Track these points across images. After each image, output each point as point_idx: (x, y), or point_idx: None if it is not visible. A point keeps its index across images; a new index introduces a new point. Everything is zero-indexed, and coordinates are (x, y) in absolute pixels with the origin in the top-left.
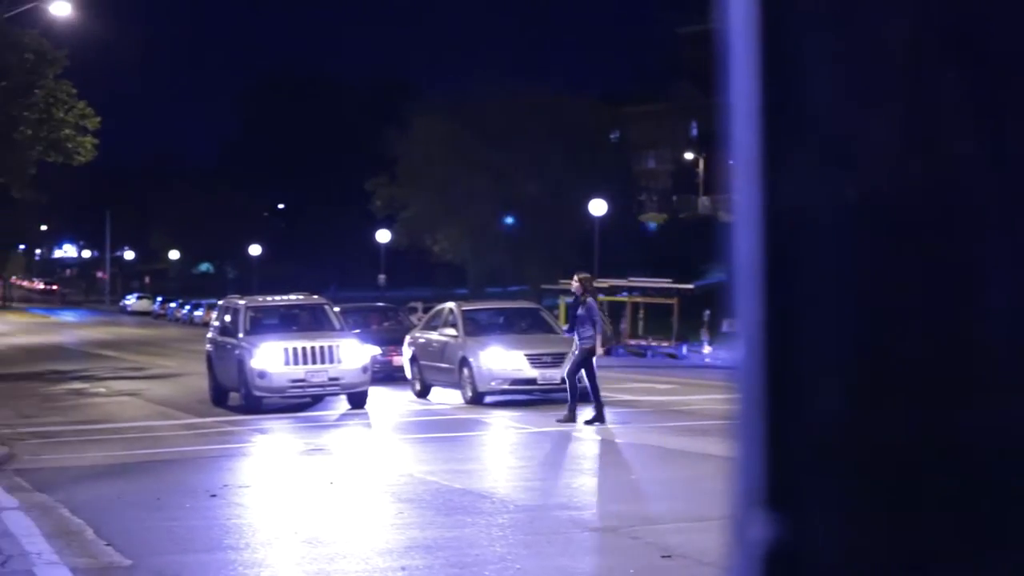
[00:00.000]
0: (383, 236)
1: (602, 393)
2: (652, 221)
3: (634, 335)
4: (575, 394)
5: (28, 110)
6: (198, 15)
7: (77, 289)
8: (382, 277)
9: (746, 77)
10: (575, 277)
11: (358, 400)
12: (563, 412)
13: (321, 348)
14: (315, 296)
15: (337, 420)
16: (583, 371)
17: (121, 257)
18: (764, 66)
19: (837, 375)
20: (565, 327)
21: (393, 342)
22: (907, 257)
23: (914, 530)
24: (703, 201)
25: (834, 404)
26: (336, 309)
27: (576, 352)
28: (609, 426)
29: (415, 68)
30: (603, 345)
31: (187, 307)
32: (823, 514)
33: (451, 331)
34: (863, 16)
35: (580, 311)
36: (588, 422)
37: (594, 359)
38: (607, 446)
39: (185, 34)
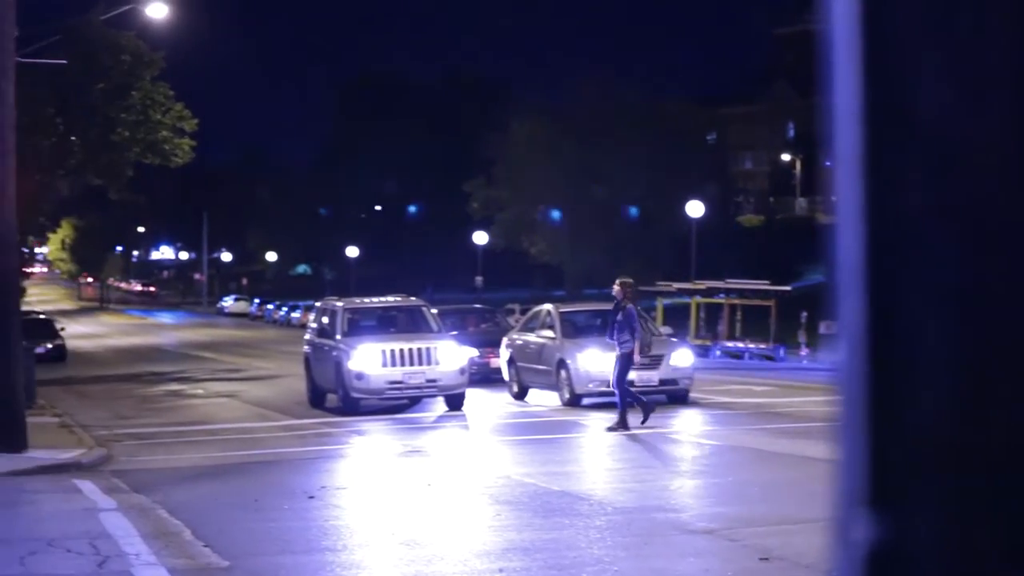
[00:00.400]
0: (480, 238)
1: (691, 395)
2: (749, 223)
3: (731, 337)
4: (624, 400)
5: (125, 112)
6: (293, 16)
7: (174, 291)
8: (479, 279)
9: (849, 78)
10: (616, 281)
11: (455, 402)
12: (614, 418)
13: (419, 350)
14: (412, 298)
15: (434, 422)
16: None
17: (218, 259)
18: (868, 68)
19: (940, 377)
20: (607, 334)
21: (490, 344)
22: (1011, 260)
23: (1017, 530)
24: (800, 203)
25: (937, 405)
26: (434, 311)
27: (617, 359)
28: (707, 427)
29: (511, 69)
30: (640, 352)
31: (284, 309)
32: (926, 514)
33: (548, 333)
34: (971, 19)
35: (619, 317)
36: (610, 428)
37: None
38: (704, 448)
39: (280, 35)
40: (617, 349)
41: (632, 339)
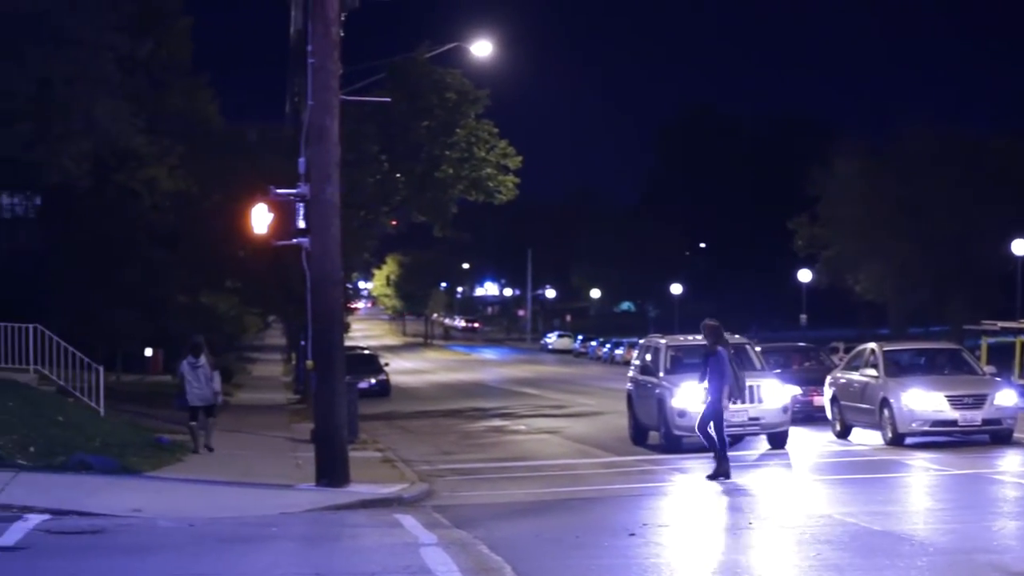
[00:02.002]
0: (804, 275)
1: (1015, 435)
2: None
3: None
4: (715, 445)
5: (449, 149)
6: (614, 53)
7: (498, 327)
8: (803, 317)
9: None
10: (704, 324)
11: (778, 440)
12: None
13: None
14: (736, 336)
15: (757, 460)
16: (713, 420)
17: (542, 295)
18: None
19: None
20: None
21: (814, 382)
22: None
23: None
24: None
25: None
26: (757, 348)
27: (707, 403)
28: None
29: (831, 107)
30: (729, 397)
31: (607, 346)
32: None
33: (872, 371)
34: None
35: (711, 361)
36: (710, 477)
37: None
38: None
39: (603, 72)
40: (708, 394)
41: (722, 384)
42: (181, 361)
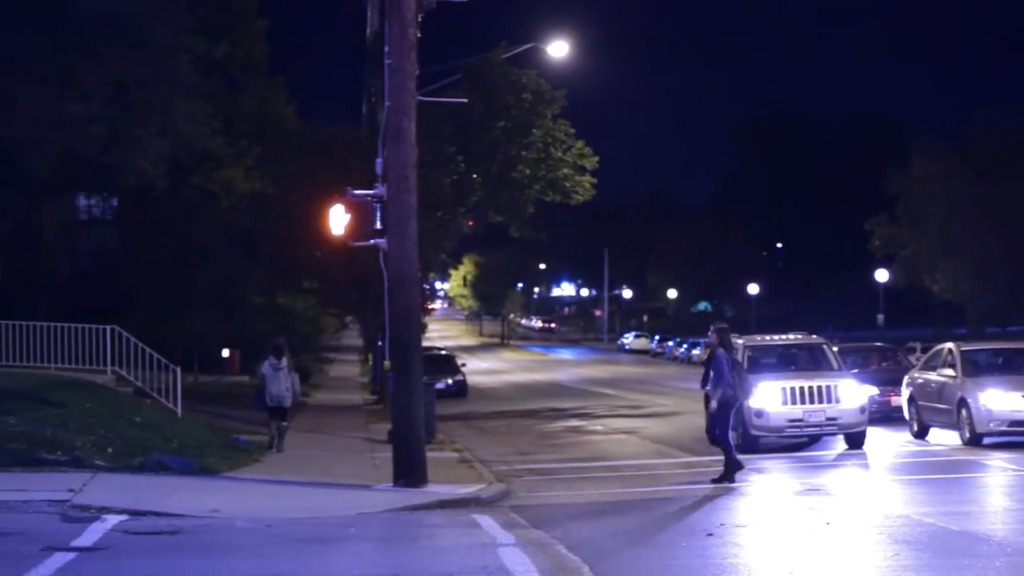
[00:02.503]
0: (881, 276)
1: None
2: None
3: None
4: (729, 450)
5: (526, 150)
6: (690, 53)
7: (574, 327)
8: (880, 317)
9: None
10: (712, 328)
11: (855, 440)
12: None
13: (819, 388)
14: (813, 336)
15: (834, 460)
16: (718, 424)
17: (619, 295)
18: None
19: None
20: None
21: (891, 382)
22: None
23: None
24: None
25: None
26: (834, 348)
27: (713, 408)
28: None
29: (910, 106)
30: (717, 399)
31: (684, 345)
32: None
33: (949, 372)
34: None
35: (712, 364)
36: (715, 480)
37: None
38: None
39: (678, 72)
40: (712, 400)
41: (720, 387)
42: (263, 362)
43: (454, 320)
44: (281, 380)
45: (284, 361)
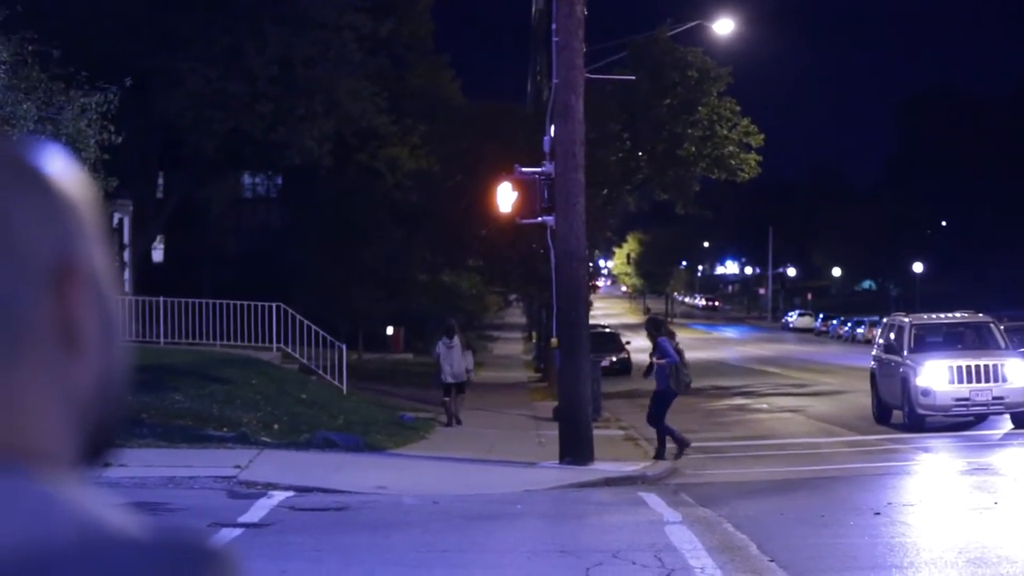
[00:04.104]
0: None
1: None
2: None
3: None
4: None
5: (692, 127)
6: (857, 30)
7: (738, 305)
8: None
9: None
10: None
11: (1022, 420)
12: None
13: (985, 367)
14: (980, 314)
15: (1000, 439)
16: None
17: (783, 273)
18: None
19: None
20: None
21: None
22: None
23: None
24: None
25: None
26: (1001, 327)
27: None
28: None
29: None
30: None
31: (848, 324)
32: None
33: None
34: None
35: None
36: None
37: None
38: None
39: (846, 48)
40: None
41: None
42: (436, 343)
43: (615, 297)
44: (455, 358)
45: (456, 340)
